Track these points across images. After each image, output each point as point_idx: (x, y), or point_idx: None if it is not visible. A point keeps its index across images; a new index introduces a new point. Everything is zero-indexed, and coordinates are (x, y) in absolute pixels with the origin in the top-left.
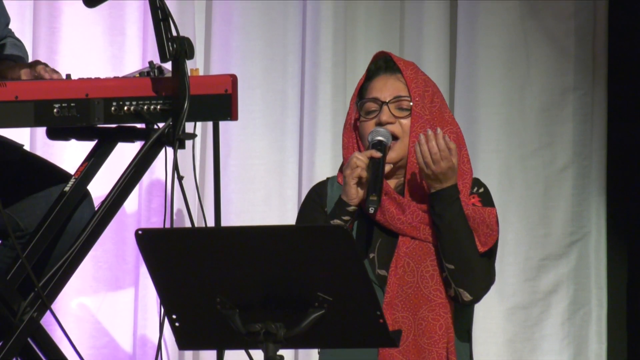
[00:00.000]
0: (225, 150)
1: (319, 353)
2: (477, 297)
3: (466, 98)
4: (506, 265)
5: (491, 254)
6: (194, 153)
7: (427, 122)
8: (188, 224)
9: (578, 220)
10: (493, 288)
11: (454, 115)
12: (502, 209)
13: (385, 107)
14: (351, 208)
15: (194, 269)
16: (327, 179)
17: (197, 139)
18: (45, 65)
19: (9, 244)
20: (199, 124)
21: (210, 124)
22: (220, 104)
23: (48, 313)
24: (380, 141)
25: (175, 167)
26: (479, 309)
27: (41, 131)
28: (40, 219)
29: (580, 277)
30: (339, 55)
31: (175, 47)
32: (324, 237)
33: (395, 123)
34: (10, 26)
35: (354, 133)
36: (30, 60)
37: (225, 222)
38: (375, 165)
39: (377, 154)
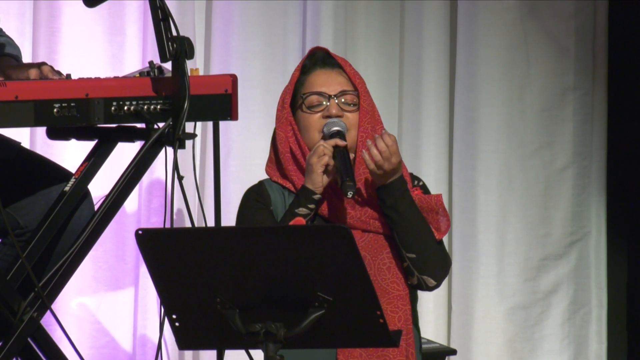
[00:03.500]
0: (225, 150)
1: None
2: (440, 281)
3: (466, 98)
4: (506, 265)
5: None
6: (194, 153)
7: (371, 116)
8: (188, 224)
9: (578, 220)
10: (493, 288)
11: (453, 115)
12: (502, 209)
13: (333, 101)
14: (317, 196)
15: (194, 269)
16: (261, 182)
17: (197, 139)
18: (52, 67)
19: (8, 242)
20: (199, 124)
21: (210, 124)
22: (220, 104)
23: (48, 313)
24: (339, 131)
25: (175, 167)
26: (479, 309)
27: (41, 131)
28: (40, 216)
29: (580, 277)
30: None
31: (175, 47)
32: (324, 237)
33: (343, 117)
34: (11, 26)
35: (290, 127)
36: (23, 59)
37: (225, 222)
38: (342, 153)
39: (342, 142)
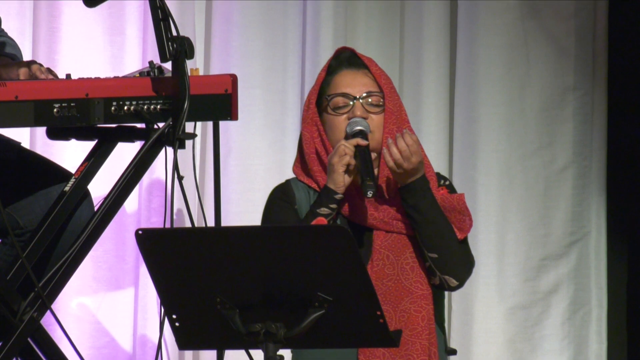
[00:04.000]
0: (225, 150)
1: (292, 352)
2: (463, 281)
3: (466, 98)
4: (506, 265)
5: (466, 237)
6: (194, 153)
7: (396, 117)
8: (188, 224)
9: (578, 220)
10: (493, 288)
11: (453, 115)
12: (502, 209)
13: (357, 102)
14: (338, 196)
15: (194, 269)
16: (287, 181)
17: (197, 139)
18: (41, 65)
19: (9, 242)
20: (199, 124)
21: (210, 124)
22: (220, 104)
23: (48, 313)
24: (361, 130)
25: (175, 167)
26: (479, 309)
27: (41, 131)
28: (40, 217)
29: (580, 277)
30: None
31: (175, 47)
32: (324, 237)
33: (368, 118)
34: (11, 26)
35: (315, 127)
36: (24, 59)
37: (225, 222)
38: (363, 153)
39: (364, 142)
